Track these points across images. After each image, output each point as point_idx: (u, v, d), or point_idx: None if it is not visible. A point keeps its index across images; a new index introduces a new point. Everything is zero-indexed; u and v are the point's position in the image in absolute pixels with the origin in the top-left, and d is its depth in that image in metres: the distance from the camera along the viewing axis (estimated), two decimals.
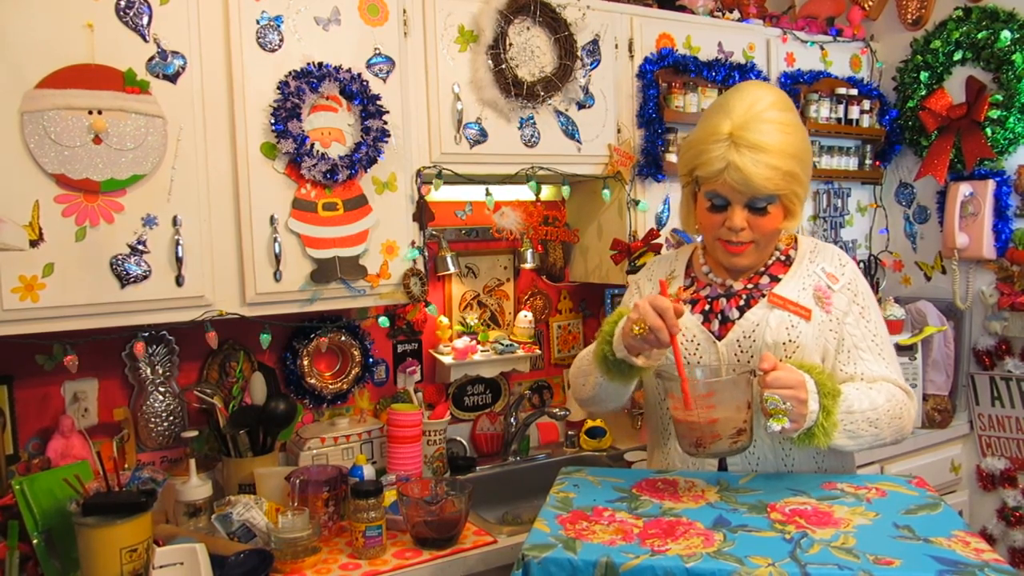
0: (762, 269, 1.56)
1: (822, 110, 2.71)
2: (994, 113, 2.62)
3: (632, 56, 2.35)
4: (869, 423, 1.40)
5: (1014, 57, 2.58)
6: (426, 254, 2.05)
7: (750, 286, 1.54)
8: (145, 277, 1.66)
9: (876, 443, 1.44)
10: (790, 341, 1.47)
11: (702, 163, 1.44)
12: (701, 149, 1.45)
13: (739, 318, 1.51)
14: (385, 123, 1.91)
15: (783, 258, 1.57)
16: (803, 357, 1.45)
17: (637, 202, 2.35)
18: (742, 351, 1.49)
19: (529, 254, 2.45)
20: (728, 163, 1.40)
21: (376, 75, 1.92)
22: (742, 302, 1.53)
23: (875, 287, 2.80)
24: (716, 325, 1.53)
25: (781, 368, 1.33)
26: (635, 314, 1.36)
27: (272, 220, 1.79)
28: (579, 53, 2.19)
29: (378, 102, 1.90)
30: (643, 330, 1.34)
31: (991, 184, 2.64)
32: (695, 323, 1.53)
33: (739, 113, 1.41)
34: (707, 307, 1.55)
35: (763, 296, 1.51)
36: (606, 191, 2.31)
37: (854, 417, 1.38)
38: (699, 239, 1.66)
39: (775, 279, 1.54)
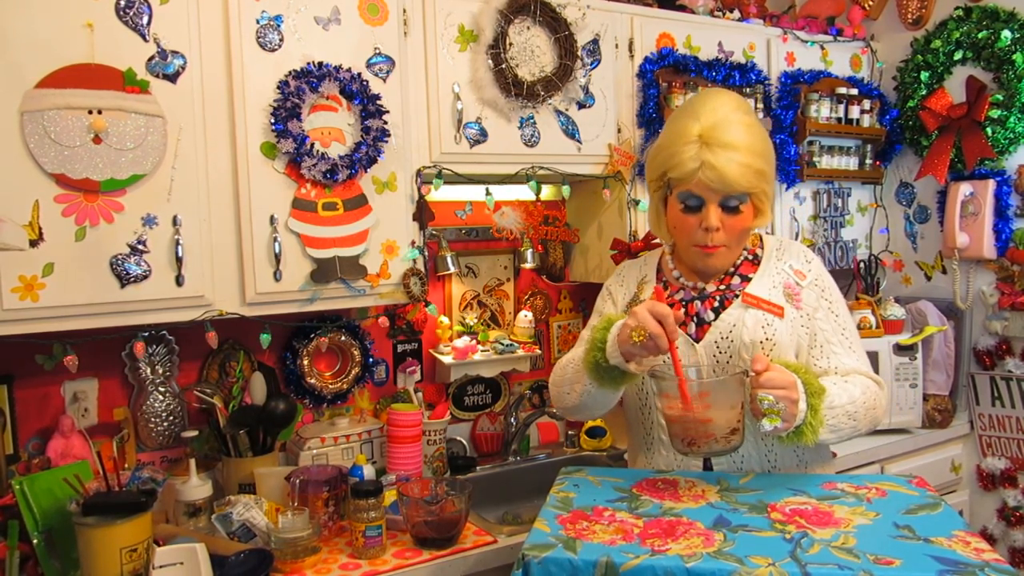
0: (732, 269, 1.59)
1: (822, 110, 2.70)
2: (994, 113, 2.62)
3: (632, 56, 2.35)
4: (848, 416, 1.44)
5: (1014, 57, 2.58)
6: (426, 254, 2.05)
7: (723, 287, 1.57)
8: (145, 277, 1.66)
9: (854, 434, 1.49)
10: (767, 339, 1.49)
11: (675, 164, 1.47)
12: (672, 151, 1.48)
13: (715, 320, 1.53)
14: (385, 123, 1.91)
15: (751, 257, 1.60)
16: (779, 354, 1.48)
17: (637, 202, 2.35)
18: (720, 352, 1.51)
19: (529, 254, 2.44)
20: (703, 162, 1.43)
21: (376, 75, 1.92)
22: (716, 303, 1.55)
23: (875, 287, 2.80)
24: (692, 328, 1.55)
25: (773, 369, 1.35)
26: (633, 321, 1.36)
27: (272, 220, 1.79)
28: (579, 53, 2.19)
29: (378, 102, 1.90)
30: (643, 338, 1.34)
31: (991, 184, 2.64)
32: None
33: (706, 115, 1.45)
34: (682, 310, 1.56)
35: (736, 296, 1.54)
36: (606, 191, 2.30)
37: (835, 412, 1.42)
38: (667, 247, 1.69)
39: (746, 279, 1.57)
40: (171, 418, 2.00)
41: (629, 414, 1.69)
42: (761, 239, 1.64)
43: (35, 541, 1.52)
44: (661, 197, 1.58)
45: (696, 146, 1.44)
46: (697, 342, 1.53)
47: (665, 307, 1.35)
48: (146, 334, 1.91)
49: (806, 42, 2.74)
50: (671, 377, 1.38)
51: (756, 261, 1.60)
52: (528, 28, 2.12)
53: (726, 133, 1.43)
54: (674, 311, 1.36)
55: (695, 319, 1.55)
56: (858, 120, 2.81)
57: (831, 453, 1.67)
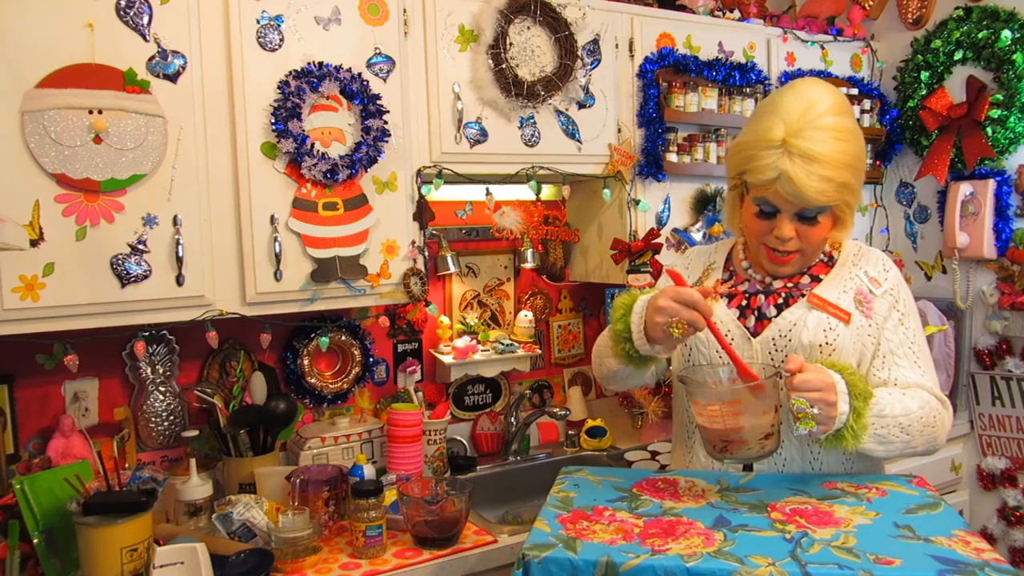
0: (804, 269, 1.53)
1: None
2: (994, 112, 2.62)
3: (632, 56, 2.35)
4: (900, 429, 1.37)
5: (1014, 57, 2.58)
6: (426, 253, 2.05)
7: (790, 285, 1.51)
8: (145, 277, 1.66)
9: (907, 450, 1.40)
10: (827, 343, 1.44)
11: (753, 169, 1.39)
12: (752, 154, 1.40)
13: (776, 316, 1.48)
14: (385, 123, 1.91)
15: (826, 259, 1.54)
16: (839, 360, 1.41)
17: (637, 202, 2.35)
18: (777, 350, 1.46)
19: (529, 254, 2.45)
20: (780, 173, 1.35)
21: (376, 74, 1.92)
22: (780, 300, 1.50)
23: None
24: (752, 322, 1.50)
25: (809, 369, 1.29)
26: (663, 317, 1.32)
27: (272, 219, 1.79)
28: (579, 53, 2.19)
29: (378, 101, 1.90)
30: (683, 330, 1.32)
31: (992, 183, 2.64)
32: (731, 318, 1.50)
33: (794, 118, 1.36)
34: (744, 302, 1.52)
35: (803, 296, 1.49)
36: (606, 191, 2.31)
37: (885, 421, 1.35)
38: (741, 238, 1.61)
39: (816, 279, 1.51)
40: (171, 418, 2.00)
41: (675, 406, 1.66)
42: (840, 243, 1.56)
43: (36, 540, 1.52)
44: (738, 194, 1.51)
45: (777, 153, 1.35)
46: (754, 336, 1.48)
47: (689, 291, 1.31)
48: (146, 334, 1.91)
49: (806, 42, 2.74)
50: (700, 383, 1.35)
51: (831, 263, 1.53)
52: (528, 28, 2.12)
53: (810, 141, 1.33)
54: (699, 288, 1.33)
55: (756, 313, 1.50)
56: (858, 120, 2.81)
57: (883, 470, 1.59)
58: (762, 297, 1.52)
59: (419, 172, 2.01)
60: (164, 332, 1.99)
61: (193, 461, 1.77)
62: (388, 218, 1.96)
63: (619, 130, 2.33)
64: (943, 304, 2.76)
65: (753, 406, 1.30)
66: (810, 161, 1.34)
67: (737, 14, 2.61)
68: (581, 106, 2.24)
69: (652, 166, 2.34)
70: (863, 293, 1.48)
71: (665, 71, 2.38)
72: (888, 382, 1.46)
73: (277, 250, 1.80)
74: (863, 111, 2.82)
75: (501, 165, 2.14)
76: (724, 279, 1.58)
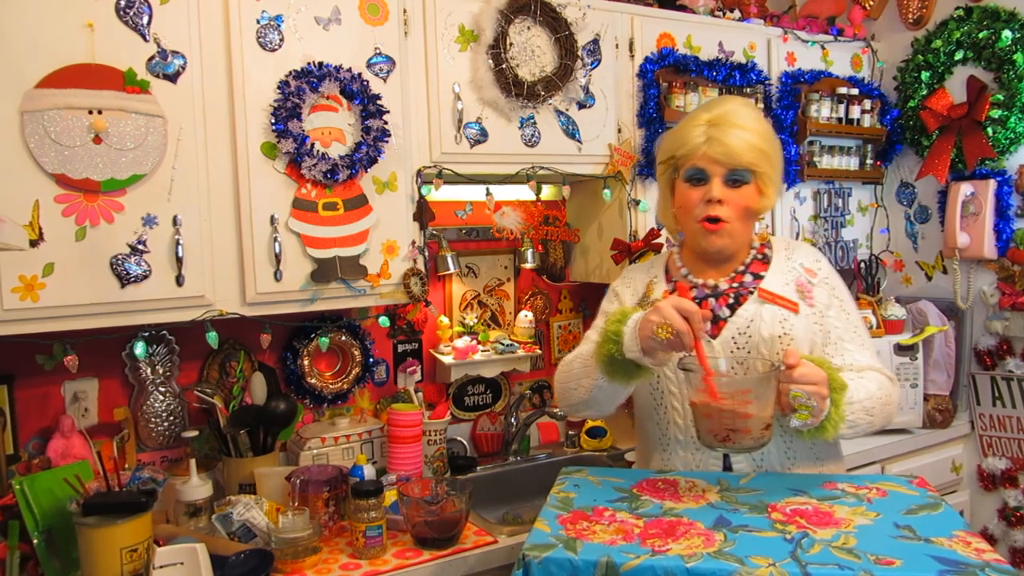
0: (743, 267, 1.60)
1: (823, 110, 2.70)
2: (995, 113, 2.62)
3: (633, 56, 2.35)
4: (865, 412, 1.45)
5: (1015, 57, 2.58)
6: (426, 254, 2.05)
7: (735, 284, 1.57)
8: (145, 277, 1.66)
9: (869, 430, 1.49)
10: (785, 334, 1.50)
11: (683, 143, 1.54)
12: (681, 133, 1.56)
13: (731, 316, 1.54)
14: (385, 123, 1.91)
15: (760, 256, 1.62)
16: (796, 350, 1.46)
17: (638, 202, 2.35)
18: (738, 347, 1.51)
19: (529, 254, 2.44)
20: (709, 136, 1.50)
21: (376, 75, 1.92)
22: (731, 300, 1.55)
23: (876, 287, 2.80)
24: (708, 325, 1.52)
25: (804, 364, 1.35)
26: (658, 317, 1.33)
27: (272, 220, 1.79)
28: (579, 53, 2.19)
29: (378, 102, 1.90)
30: (669, 334, 1.32)
31: (992, 184, 2.64)
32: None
33: (717, 108, 1.54)
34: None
35: (751, 293, 1.55)
36: (606, 191, 2.30)
37: (853, 408, 1.42)
38: (674, 248, 1.70)
39: (758, 276, 1.58)
40: (171, 418, 2.00)
41: (641, 413, 1.66)
42: (768, 240, 1.65)
43: (35, 541, 1.52)
44: (668, 181, 1.62)
45: (705, 126, 1.52)
46: (713, 339, 1.52)
47: (691, 303, 1.34)
48: (146, 334, 1.91)
49: (807, 42, 2.73)
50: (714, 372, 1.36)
51: (766, 260, 1.61)
52: (528, 28, 2.12)
53: (734, 116, 1.51)
54: (701, 309, 1.35)
55: (710, 316, 1.53)
56: (859, 120, 2.81)
57: (841, 452, 1.67)
58: (713, 300, 1.56)
59: (419, 172, 2.01)
60: (164, 332, 1.99)
61: (193, 461, 1.77)
62: (388, 218, 1.96)
63: (619, 130, 2.32)
64: (944, 304, 2.76)
65: (762, 396, 1.32)
66: (735, 127, 1.50)
67: (737, 14, 2.61)
68: (581, 106, 2.24)
69: (652, 166, 2.34)
70: (802, 284, 1.57)
71: (665, 71, 2.37)
72: (843, 367, 1.51)
73: (277, 250, 1.79)
74: (863, 111, 2.82)
75: (501, 165, 2.14)
76: (669, 291, 1.62)
